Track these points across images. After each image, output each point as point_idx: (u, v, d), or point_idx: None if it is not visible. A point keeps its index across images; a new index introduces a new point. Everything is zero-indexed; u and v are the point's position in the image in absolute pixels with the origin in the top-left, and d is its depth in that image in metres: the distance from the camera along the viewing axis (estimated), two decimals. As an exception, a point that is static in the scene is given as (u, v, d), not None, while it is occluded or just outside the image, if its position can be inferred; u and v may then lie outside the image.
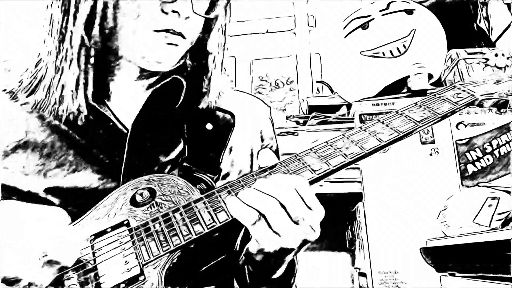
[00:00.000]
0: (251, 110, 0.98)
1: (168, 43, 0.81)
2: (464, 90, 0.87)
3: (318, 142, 0.80)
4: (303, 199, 0.68)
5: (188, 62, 0.90)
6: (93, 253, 0.72)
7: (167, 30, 0.80)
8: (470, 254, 1.32)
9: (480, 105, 0.86)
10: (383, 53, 1.82)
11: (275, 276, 0.78)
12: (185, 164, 0.86)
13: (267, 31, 2.20)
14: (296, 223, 0.68)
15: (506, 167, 1.50)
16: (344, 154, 0.77)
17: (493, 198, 1.46)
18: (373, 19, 1.86)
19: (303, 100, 1.91)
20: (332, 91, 1.95)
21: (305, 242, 0.71)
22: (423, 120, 0.81)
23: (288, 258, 0.74)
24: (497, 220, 1.43)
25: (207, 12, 0.84)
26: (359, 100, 1.69)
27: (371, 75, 1.83)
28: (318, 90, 2.08)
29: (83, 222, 0.76)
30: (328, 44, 2.01)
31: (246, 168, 0.92)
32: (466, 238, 1.36)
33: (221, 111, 0.93)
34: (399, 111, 0.84)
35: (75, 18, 0.80)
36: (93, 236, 0.74)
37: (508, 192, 1.46)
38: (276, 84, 2.17)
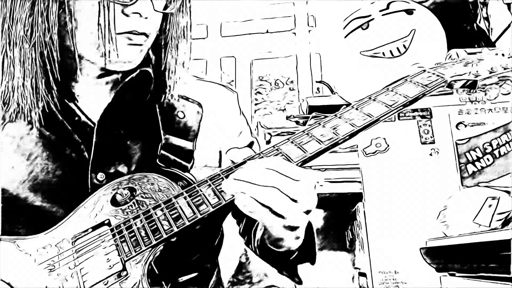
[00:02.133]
0: (218, 100, 0.99)
1: (133, 44, 0.82)
2: (434, 73, 0.90)
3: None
4: (287, 176, 0.69)
5: (151, 54, 0.91)
6: (75, 253, 0.73)
7: (130, 32, 0.81)
8: (470, 254, 1.32)
9: (450, 86, 0.89)
10: (383, 53, 1.82)
11: (294, 247, 0.80)
12: (162, 152, 0.87)
13: (267, 31, 2.20)
14: (295, 200, 0.69)
15: (506, 167, 1.50)
16: (320, 140, 0.78)
17: (493, 198, 1.46)
18: (373, 19, 1.86)
19: (303, 100, 1.91)
20: (332, 91, 1.95)
21: (308, 212, 0.72)
22: (394, 104, 0.83)
23: (301, 231, 0.76)
24: (497, 220, 1.43)
25: (165, 7, 0.85)
26: (359, 100, 1.69)
27: (371, 75, 1.83)
28: (318, 90, 2.08)
29: (64, 224, 0.77)
30: (328, 44, 2.00)
31: (213, 160, 0.94)
32: (466, 238, 1.36)
33: (189, 101, 0.95)
34: (372, 97, 0.86)
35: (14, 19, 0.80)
36: (74, 237, 0.75)
37: (508, 192, 1.46)
38: (276, 84, 2.17)
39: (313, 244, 0.84)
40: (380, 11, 1.87)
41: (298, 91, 2.14)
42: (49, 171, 0.81)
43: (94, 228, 0.75)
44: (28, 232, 0.76)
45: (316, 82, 2.10)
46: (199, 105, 0.94)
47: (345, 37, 1.91)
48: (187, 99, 0.93)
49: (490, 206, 1.45)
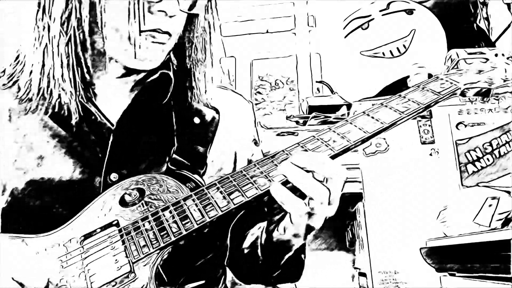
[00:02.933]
0: (234, 108, 0.99)
1: (156, 42, 0.82)
2: (447, 81, 0.88)
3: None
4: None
5: (172, 57, 0.91)
6: (83, 254, 0.73)
7: (154, 30, 0.81)
8: (470, 254, 1.32)
9: (463, 94, 0.88)
10: (383, 53, 1.82)
11: (287, 256, 0.80)
12: (174, 156, 0.86)
13: (267, 31, 2.20)
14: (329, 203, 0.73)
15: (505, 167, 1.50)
16: (331, 147, 0.77)
17: (493, 198, 1.46)
18: (373, 19, 1.86)
19: (303, 100, 1.91)
20: (332, 91, 1.95)
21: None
22: (407, 110, 0.82)
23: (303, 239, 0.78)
24: (497, 220, 1.43)
25: (190, 8, 0.85)
26: (359, 100, 1.69)
27: (371, 75, 1.83)
28: (318, 90, 2.08)
29: (73, 224, 0.76)
30: (328, 44, 2.01)
31: (228, 166, 0.93)
32: (466, 238, 1.37)
33: (206, 107, 0.94)
34: (384, 103, 0.85)
35: (50, 14, 0.80)
36: (82, 237, 0.74)
37: (508, 192, 1.46)
38: (276, 84, 2.17)
39: (302, 258, 0.86)
40: (380, 11, 1.87)
41: (298, 91, 2.14)
42: (61, 169, 0.81)
43: (103, 228, 0.75)
44: (37, 231, 0.75)
45: (316, 82, 2.10)
46: (216, 111, 0.93)
47: (345, 37, 1.91)
48: (205, 105, 0.93)
49: (490, 206, 1.45)
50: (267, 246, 0.82)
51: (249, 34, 2.19)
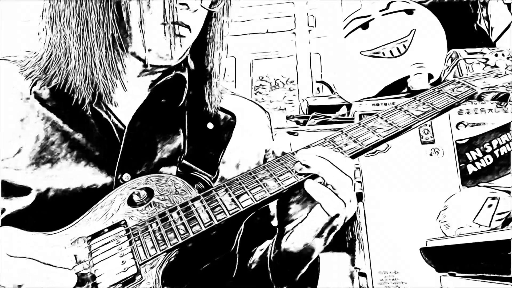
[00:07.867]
0: (251, 117, 0.98)
1: (177, 35, 0.81)
2: (463, 84, 0.86)
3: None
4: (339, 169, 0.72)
5: (189, 60, 0.90)
6: (90, 254, 0.72)
7: (176, 23, 0.80)
8: (470, 254, 1.32)
9: (480, 98, 0.85)
10: (383, 53, 1.82)
11: (301, 272, 0.79)
12: (184, 161, 0.86)
13: (267, 31, 2.20)
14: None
15: (506, 167, 1.50)
16: (343, 150, 0.76)
17: (493, 198, 1.46)
18: (373, 19, 1.87)
19: (303, 100, 1.91)
20: (332, 91, 1.95)
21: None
22: (422, 114, 0.80)
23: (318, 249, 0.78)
24: (497, 220, 1.43)
25: (211, 5, 0.84)
26: (359, 100, 1.69)
27: (371, 75, 1.83)
28: (318, 90, 2.08)
29: (81, 223, 0.76)
30: (328, 44, 2.01)
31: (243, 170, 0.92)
32: (466, 238, 1.36)
33: (223, 111, 0.93)
34: (398, 106, 0.83)
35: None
36: (90, 237, 0.74)
37: (508, 192, 1.46)
38: (276, 84, 2.17)
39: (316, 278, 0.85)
40: (380, 11, 1.87)
41: (298, 91, 2.14)
42: (74, 171, 0.80)
43: (110, 228, 0.74)
44: (46, 228, 0.75)
45: (316, 82, 2.10)
46: (232, 118, 0.92)
47: (345, 37, 1.91)
48: (221, 110, 0.92)
49: (490, 206, 1.45)
50: (277, 259, 0.80)
51: (249, 34, 2.19)
